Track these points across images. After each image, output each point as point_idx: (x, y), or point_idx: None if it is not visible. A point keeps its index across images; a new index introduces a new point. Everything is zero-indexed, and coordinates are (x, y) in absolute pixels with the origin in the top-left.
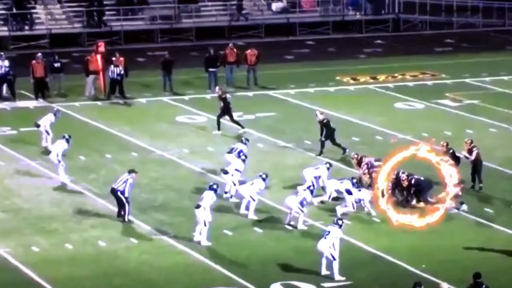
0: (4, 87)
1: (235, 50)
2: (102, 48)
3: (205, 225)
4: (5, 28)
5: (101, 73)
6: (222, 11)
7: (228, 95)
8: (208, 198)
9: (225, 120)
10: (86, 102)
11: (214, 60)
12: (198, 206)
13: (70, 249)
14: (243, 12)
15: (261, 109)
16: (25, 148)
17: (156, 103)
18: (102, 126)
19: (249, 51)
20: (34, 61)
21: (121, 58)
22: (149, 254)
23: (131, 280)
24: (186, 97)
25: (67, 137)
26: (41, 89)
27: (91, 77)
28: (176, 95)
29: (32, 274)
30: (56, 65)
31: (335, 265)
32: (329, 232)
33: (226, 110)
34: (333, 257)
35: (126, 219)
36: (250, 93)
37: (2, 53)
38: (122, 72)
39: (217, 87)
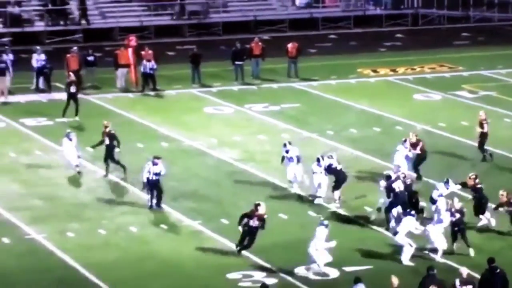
0: (41, 79)
1: (260, 43)
2: (133, 42)
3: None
4: (41, 23)
5: (132, 66)
6: (248, 6)
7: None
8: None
9: (254, 112)
10: (118, 94)
11: (241, 54)
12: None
13: (103, 234)
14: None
15: (286, 100)
16: (60, 138)
17: (185, 95)
18: (134, 117)
19: (290, 44)
20: (69, 55)
21: (150, 52)
22: (178, 240)
23: (161, 264)
24: (213, 89)
25: (66, 133)
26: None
27: (121, 70)
28: (204, 87)
29: (67, 258)
30: (90, 58)
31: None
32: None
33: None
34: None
35: (158, 206)
36: (275, 85)
37: (38, 47)
38: (155, 66)
39: None
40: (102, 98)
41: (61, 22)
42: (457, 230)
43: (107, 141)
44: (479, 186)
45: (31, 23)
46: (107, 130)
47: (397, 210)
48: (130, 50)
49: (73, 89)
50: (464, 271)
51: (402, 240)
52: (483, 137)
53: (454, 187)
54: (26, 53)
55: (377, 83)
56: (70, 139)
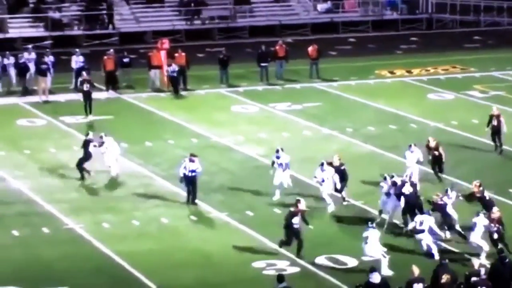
0: (79, 79)
1: (284, 46)
2: (166, 45)
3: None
4: (80, 27)
5: (164, 68)
6: (273, 11)
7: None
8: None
9: (278, 111)
10: (151, 93)
11: (266, 56)
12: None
13: (136, 225)
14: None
15: (308, 100)
16: (98, 134)
17: (213, 94)
18: (166, 115)
19: (310, 47)
20: (105, 57)
21: (183, 54)
22: (207, 231)
23: (191, 254)
24: (240, 89)
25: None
26: (111, 82)
27: (154, 71)
28: (232, 87)
29: (103, 247)
30: (125, 60)
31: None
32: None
33: None
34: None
35: (193, 202)
36: (298, 85)
37: (77, 50)
38: (177, 69)
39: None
40: (136, 97)
41: (98, 26)
42: (497, 239)
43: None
44: (483, 195)
45: (71, 27)
46: (88, 137)
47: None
48: (162, 53)
49: (86, 87)
50: (476, 262)
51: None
52: (493, 129)
53: (454, 197)
54: (65, 55)
55: (394, 84)
56: (103, 142)
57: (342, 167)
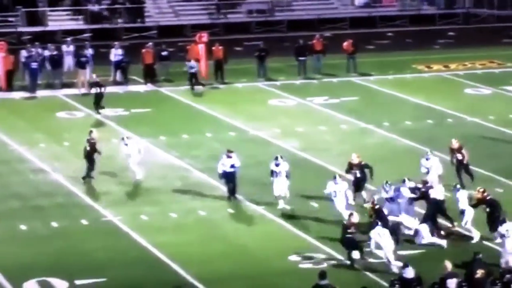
0: (118, 72)
1: (322, 40)
2: (205, 38)
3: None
4: (119, 21)
5: (202, 61)
6: (311, 5)
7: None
8: None
9: (315, 104)
10: (189, 86)
11: (303, 50)
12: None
13: (174, 217)
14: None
15: (345, 94)
16: (136, 127)
17: (251, 88)
18: (203, 108)
19: (346, 42)
20: (144, 50)
21: (220, 47)
22: (243, 224)
23: (227, 246)
24: (278, 83)
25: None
26: (150, 75)
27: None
28: (269, 81)
29: (140, 239)
30: (163, 53)
31: None
32: None
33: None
34: None
35: (233, 196)
36: (335, 79)
37: (116, 43)
38: (196, 65)
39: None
40: (174, 91)
41: (138, 20)
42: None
43: (88, 148)
44: (488, 198)
45: (110, 20)
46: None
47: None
48: (200, 46)
49: (94, 90)
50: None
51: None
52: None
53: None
54: (104, 48)
55: (431, 78)
56: (126, 145)
57: (362, 163)
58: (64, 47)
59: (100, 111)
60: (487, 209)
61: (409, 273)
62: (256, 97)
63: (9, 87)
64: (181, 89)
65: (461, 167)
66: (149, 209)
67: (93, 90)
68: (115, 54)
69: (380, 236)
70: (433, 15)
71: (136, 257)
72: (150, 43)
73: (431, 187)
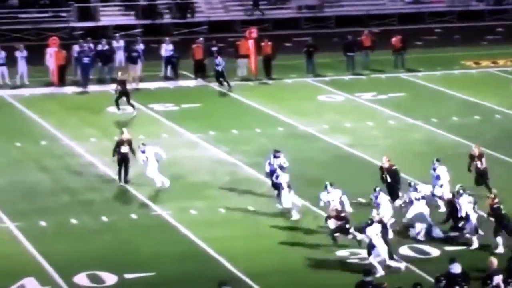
0: (169, 68)
1: (370, 36)
2: (254, 34)
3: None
4: (169, 16)
5: (252, 57)
6: (360, 1)
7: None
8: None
9: (363, 100)
10: (238, 82)
11: (352, 46)
12: None
13: (222, 212)
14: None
15: (393, 90)
16: (186, 122)
17: (300, 83)
18: (253, 103)
19: (394, 38)
20: (194, 45)
21: (269, 43)
22: (290, 219)
23: (275, 241)
24: (326, 78)
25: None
26: (200, 70)
27: (241, 60)
28: (318, 77)
29: (189, 234)
30: (213, 49)
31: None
32: None
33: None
34: None
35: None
36: (383, 75)
37: (167, 38)
38: (223, 63)
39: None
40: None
41: (189, 15)
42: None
43: (128, 150)
44: (496, 206)
45: (161, 15)
46: (126, 138)
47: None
48: (250, 42)
49: (119, 88)
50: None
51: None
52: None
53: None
54: (155, 43)
55: (479, 74)
56: (143, 151)
57: (394, 168)
58: (115, 42)
59: (121, 107)
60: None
61: (456, 268)
62: (305, 92)
63: (61, 82)
64: (231, 84)
65: (480, 179)
66: (198, 203)
67: (117, 88)
68: (166, 49)
69: (377, 236)
70: (482, 11)
71: (185, 251)
72: (201, 39)
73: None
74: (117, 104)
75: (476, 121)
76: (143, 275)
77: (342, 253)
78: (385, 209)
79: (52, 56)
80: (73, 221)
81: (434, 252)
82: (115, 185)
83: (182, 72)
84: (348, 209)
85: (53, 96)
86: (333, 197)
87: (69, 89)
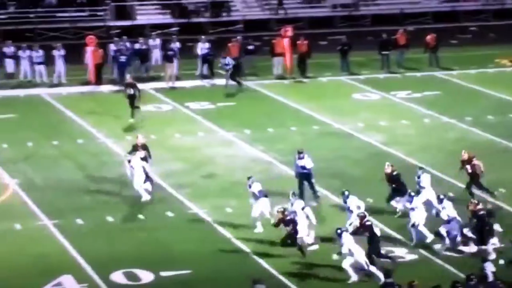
0: (205, 66)
1: (405, 34)
2: (289, 32)
3: None
4: (205, 15)
5: (287, 55)
6: (395, 0)
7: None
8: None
9: (398, 98)
10: (274, 80)
11: (387, 44)
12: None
13: None
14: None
15: (428, 88)
16: (221, 121)
17: (334, 82)
18: (288, 101)
19: (428, 36)
20: (230, 43)
21: (305, 42)
22: (326, 216)
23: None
24: (361, 77)
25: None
26: (236, 69)
27: (277, 58)
28: (353, 75)
29: (225, 232)
30: (249, 47)
31: None
32: None
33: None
34: None
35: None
36: (418, 74)
37: (203, 37)
38: (232, 62)
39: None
40: (259, 84)
41: (224, 14)
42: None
43: (143, 154)
44: (481, 213)
45: (197, 14)
46: (141, 143)
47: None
48: (285, 40)
49: (130, 91)
50: None
51: None
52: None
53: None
54: (191, 42)
55: None
56: (129, 161)
57: (394, 173)
58: (151, 41)
59: (135, 111)
60: (476, 223)
61: (489, 268)
62: (340, 91)
63: (98, 81)
64: (266, 82)
65: (471, 182)
66: (233, 202)
67: (128, 91)
68: (202, 48)
69: (352, 241)
70: None
71: (221, 249)
72: (239, 37)
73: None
74: (133, 108)
75: (510, 119)
76: (179, 273)
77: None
78: (355, 212)
79: (89, 55)
80: (110, 219)
81: (472, 248)
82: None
83: (218, 70)
84: (313, 221)
85: (90, 95)
86: (296, 208)
87: (106, 88)
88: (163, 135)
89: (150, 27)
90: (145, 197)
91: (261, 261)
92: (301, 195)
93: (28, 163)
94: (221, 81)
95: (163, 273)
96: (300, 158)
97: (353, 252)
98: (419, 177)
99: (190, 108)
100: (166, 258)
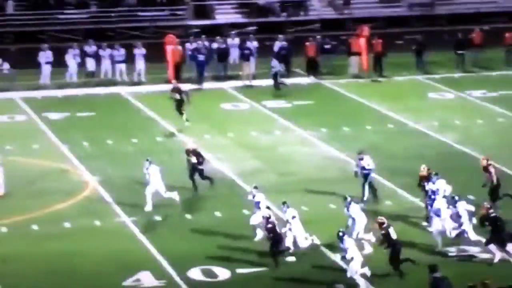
0: (282, 65)
1: (481, 34)
2: (366, 32)
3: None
4: (284, 14)
5: (363, 54)
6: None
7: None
8: None
9: (473, 98)
10: (351, 79)
11: (463, 43)
12: None
13: (333, 208)
14: None
15: (503, 87)
16: (298, 119)
17: (410, 81)
18: (363, 100)
19: (507, 34)
20: (308, 42)
21: (380, 41)
22: (403, 215)
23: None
24: (437, 76)
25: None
26: (312, 67)
27: (353, 57)
28: (428, 74)
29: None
30: (326, 46)
31: None
32: None
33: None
34: None
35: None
36: (493, 73)
37: (280, 36)
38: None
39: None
40: (335, 83)
41: (302, 13)
42: None
43: (193, 160)
44: (493, 215)
45: (275, 13)
46: (192, 148)
47: None
48: (362, 39)
49: (176, 96)
50: None
51: None
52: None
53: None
54: (269, 41)
55: None
56: (147, 169)
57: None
58: (230, 40)
59: (183, 117)
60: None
61: None
62: (415, 90)
63: (177, 79)
64: (342, 82)
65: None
66: (309, 199)
67: (175, 96)
68: (279, 46)
69: (354, 245)
70: None
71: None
72: (318, 37)
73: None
74: (180, 113)
75: None
76: (256, 270)
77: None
78: (359, 219)
79: (169, 54)
80: (188, 216)
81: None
82: (228, 181)
83: (295, 69)
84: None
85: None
86: (290, 215)
87: (185, 86)
88: (240, 133)
89: (229, 27)
90: (149, 207)
91: (336, 258)
92: (363, 196)
93: (107, 160)
94: (297, 80)
95: (240, 270)
96: (360, 159)
97: (353, 257)
98: (433, 182)
99: (267, 106)
100: (243, 255)
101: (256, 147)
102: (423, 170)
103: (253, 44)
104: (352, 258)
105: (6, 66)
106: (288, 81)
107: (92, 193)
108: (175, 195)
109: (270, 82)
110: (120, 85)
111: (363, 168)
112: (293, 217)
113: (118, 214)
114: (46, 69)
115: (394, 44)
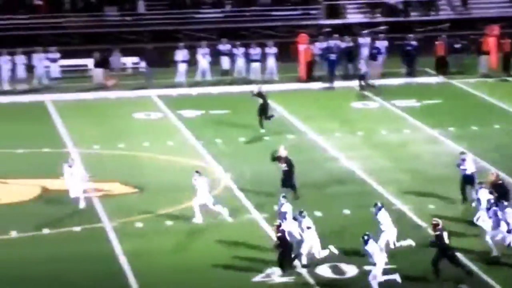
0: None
1: None
2: (496, 31)
3: None
4: (414, 14)
5: (493, 54)
6: None
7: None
8: None
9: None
10: (479, 78)
11: None
12: None
13: (461, 207)
14: None
15: None
16: (426, 118)
17: None
18: (492, 100)
19: None
20: (437, 42)
21: (508, 41)
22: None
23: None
24: None
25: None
26: (442, 67)
27: (483, 57)
28: None
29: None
30: (456, 46)
31: None
32: None
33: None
34: None
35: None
36: None
37: (410, 35)
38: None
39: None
40: (465, 83)
41: (431, 13)
42: None
43: (284, 167)
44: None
45: (405, 13)
46: (284, 155)
47: None
48: (491, 39)
49: (260, 100)
50: None
51: None
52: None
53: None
54: (399, 40)
55: None
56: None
57: (499, 182)
58: (361, 39)
59: (266, 121)
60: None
61: None
62: None
63: (309, 78)
64: (472, 81)
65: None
66: (437, 198)
67: (259, 101)
68: (407, 43)
69: (380, 251)
70: None
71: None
72: (444, 36)
73: None
74: (266, 118)
75: None
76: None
77: None
78: (388, 226)
79: (301, 53)
80: (317, 213)
81: None
82: (357, 179)
83: (424, 68)
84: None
85: (301, 92)
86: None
87: (316, 85)
88: (371, 132)
89: (360, 26)
90: (198, 219)
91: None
92: (463, 199)
93: (239, 157)
94: (426, 79)
95: (368, 267)
96: (463, 160)
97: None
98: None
99: (396, 105)
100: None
101: (386, 145)
102: (492, 175)
103: (381, 44)
104: (375, 264)
105: (143, 64)
106: (417, 80)
107: (225, 190)
108: (225, 211)
109: (399, 81)
110: (252, 84)
111: (464, 170)
112: (308, 227)
113: (249, 210)
114: (182, 68)
115: None
